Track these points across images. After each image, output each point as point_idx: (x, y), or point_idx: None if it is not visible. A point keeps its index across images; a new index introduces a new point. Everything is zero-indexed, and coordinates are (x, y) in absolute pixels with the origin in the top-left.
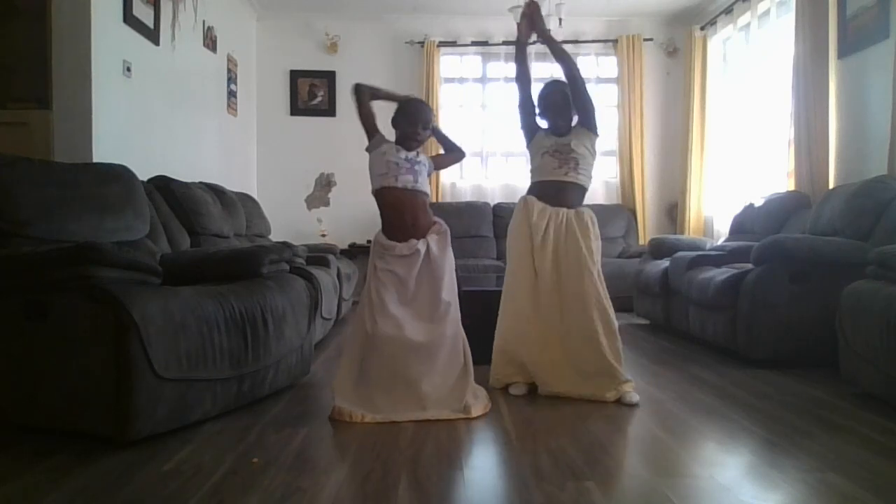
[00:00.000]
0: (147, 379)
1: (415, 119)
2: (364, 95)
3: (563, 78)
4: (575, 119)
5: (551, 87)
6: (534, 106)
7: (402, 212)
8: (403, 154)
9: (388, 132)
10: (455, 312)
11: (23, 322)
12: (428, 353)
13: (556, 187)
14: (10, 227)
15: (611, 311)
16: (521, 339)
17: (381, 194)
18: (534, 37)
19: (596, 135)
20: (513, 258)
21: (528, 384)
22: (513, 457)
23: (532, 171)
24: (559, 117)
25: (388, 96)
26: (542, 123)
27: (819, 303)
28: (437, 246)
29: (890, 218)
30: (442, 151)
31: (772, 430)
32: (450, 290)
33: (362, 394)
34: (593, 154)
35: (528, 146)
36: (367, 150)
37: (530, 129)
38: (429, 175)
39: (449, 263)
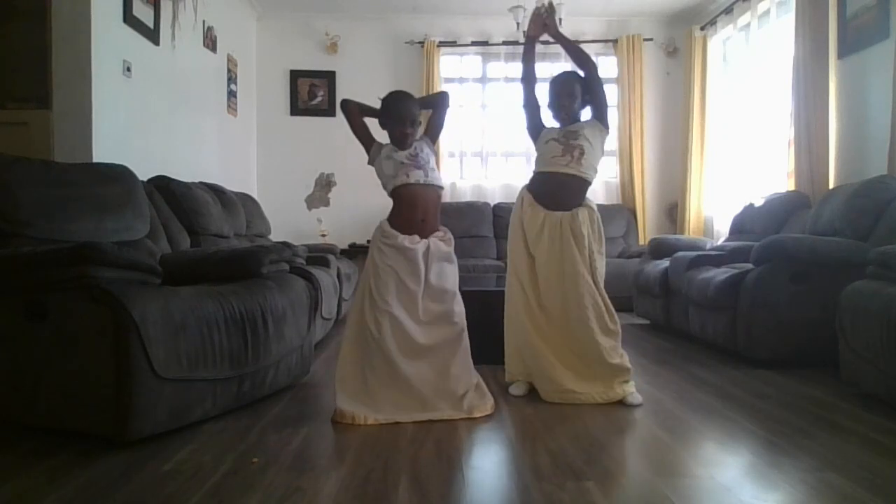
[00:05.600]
0: (147, 379)
1: (401, 118)
2: (354, 108)
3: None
4: (585, 114)
5: (564, 76)
6: (538, 106)
7: (415, 207)
8: (404, 154)
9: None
10: (459, 313)
11: (23, 322)
12: (431, 355)
13: (556, 183)
14: (10, 227)
15: (607, 311)
16: (523, 338)
17: (396, 193)
18: (544, 37)
19: (607, 130)
20: (511, 257)
21: (529, 384)
22: (513, 457)
23: (536, 159)
24: (563, 109)
25: (371, 111)
26: (547, 116)
27: (819, 303)
28: (440, 248)
29: (890, 218)
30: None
31: (772, 430)
32: (453, 291)
33: (364, 395)
34: (601, 150)
35: (536, 143)
36: (370, 162)
37: (536, 128)
38: (433, 153)
39: (452, 266)
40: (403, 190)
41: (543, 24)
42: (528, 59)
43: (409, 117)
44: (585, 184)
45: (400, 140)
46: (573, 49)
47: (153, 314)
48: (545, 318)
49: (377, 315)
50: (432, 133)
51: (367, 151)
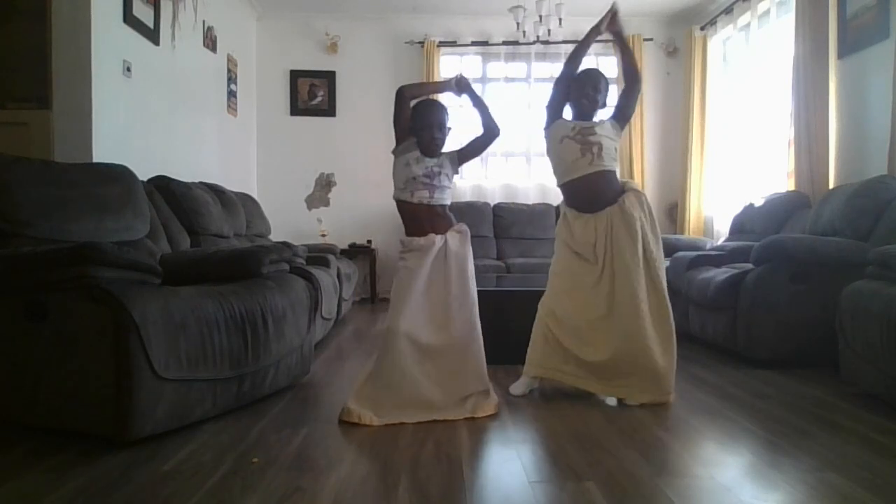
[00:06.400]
0: (147, 379)
1: (428, 122)
2: (405, 101)
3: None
4: (601, 114)
5: (594, 71)
6: (564, 105)
7: (420, 222)
8: (423, 166)
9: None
10: (469, 312)
11: (23, 322)
12: (441, 356)
13: (587, 186)
14: (10, 227)
15: (669, 314)
16: (567, 331)
17: (399, 204)
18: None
19: (622, 129)
20: (560, 261)
21: (530, 382)
22: (513, 457)
23: (555, 169)
24: (588, 99)
25: (434, 89)
26: (567, 114)
27: (819, 303)
28: (456, 243)
29: (890, 218)
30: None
31: (772, 430)
32: (465, 289)
33: (371, 395)
34: (616, 142)
35: (547, 130)
36: (393, 152)
37: (552, 120)
38: (455, 172)
39: (468, 262)
40: (406, 206)
41: (612, 21)
42: (578, 62)
43: (437, 122)
44: (614, 174)
45: (428, 144)
46: (630, 55)
47: (153, 314)
48: (590, 329)
49: (394, 313)
50: (464, 153)
51: (398, 142)
